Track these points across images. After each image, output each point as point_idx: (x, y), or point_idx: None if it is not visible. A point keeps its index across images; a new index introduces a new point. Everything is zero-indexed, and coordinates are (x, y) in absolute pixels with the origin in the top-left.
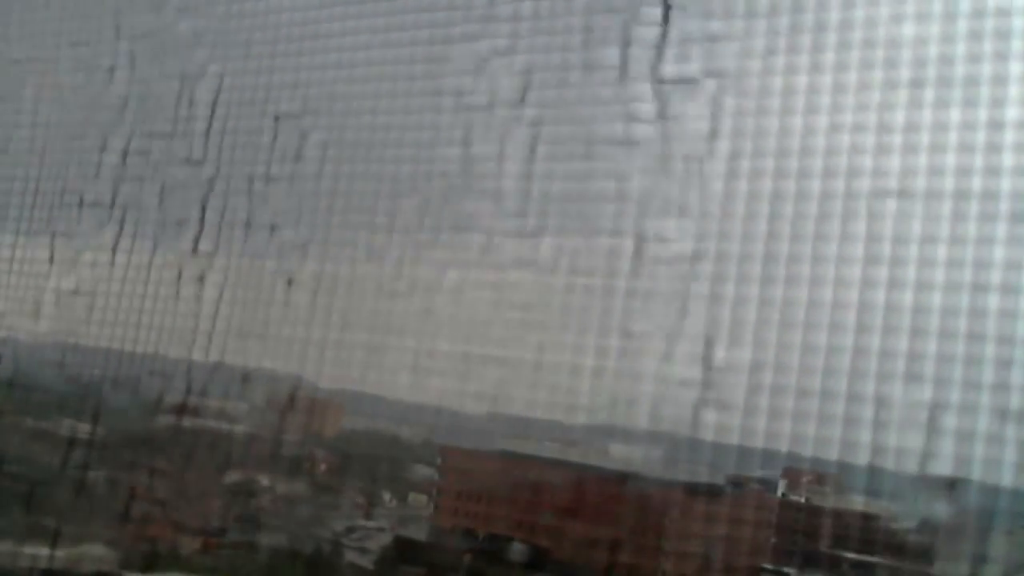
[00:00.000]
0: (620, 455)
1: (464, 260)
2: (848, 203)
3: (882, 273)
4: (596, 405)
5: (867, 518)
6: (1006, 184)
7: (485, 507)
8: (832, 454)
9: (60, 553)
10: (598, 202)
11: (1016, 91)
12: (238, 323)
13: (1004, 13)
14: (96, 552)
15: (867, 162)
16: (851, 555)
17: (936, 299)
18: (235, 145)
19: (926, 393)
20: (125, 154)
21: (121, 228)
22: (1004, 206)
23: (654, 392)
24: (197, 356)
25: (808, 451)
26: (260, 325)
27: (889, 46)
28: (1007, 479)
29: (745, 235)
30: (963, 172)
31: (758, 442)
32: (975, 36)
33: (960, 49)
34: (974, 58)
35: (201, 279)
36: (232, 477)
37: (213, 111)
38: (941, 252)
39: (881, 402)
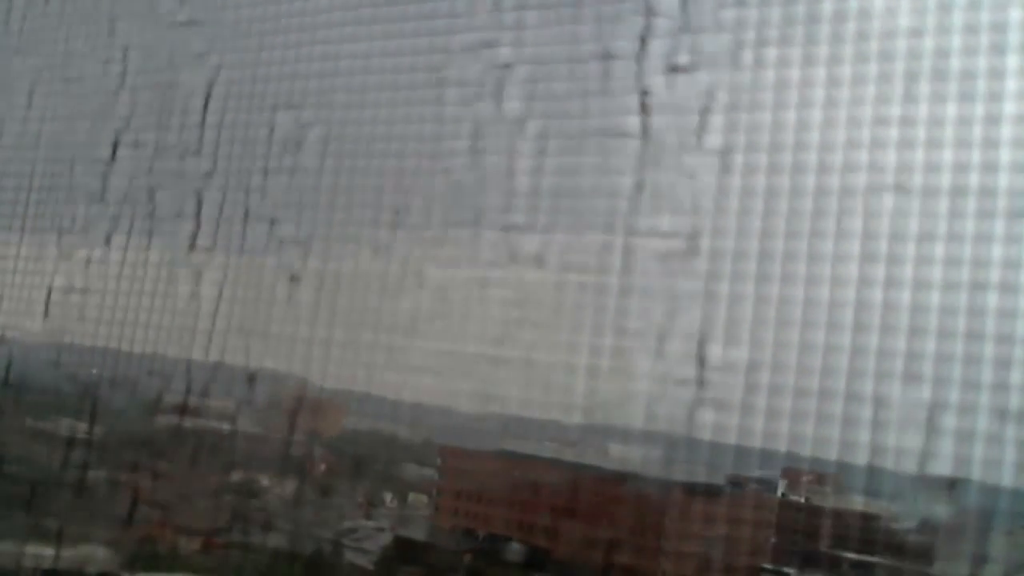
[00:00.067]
0: (619, 455)
1: (459, 258)
2: (844, 200)
3: (879, 271)
4: (592, 404)
5: (867, 518)
6: (1003, 180)
7: (485, 507)
8: (831, 454)
9: (59, 553)
10: (589, 197)
11: (1013, 85)
12: (238, 321)
13: (1000, 5)
14: (96, 552)
15: (862, 157)
16: (851, 555)
17: (934, 297)
18: (232, 139)
19: (925, 393)
20: (120, 148)
21: (117, 224)
22: (1002, 202)
23: (650, 391)
24: (196, 355)
25: (807, 451)
26: (260, 323)
27: (884, 38)
28: (1007, 479)
29: (739, 231)
30: (960, 168)
31: (756, 442)
32: (971, 29)
33: (956, 42)
34: (970, 51)
35: (200, 276)
36: (232, 477)
37: (210, 103)
38: (939, 250)
39: (880, 402)
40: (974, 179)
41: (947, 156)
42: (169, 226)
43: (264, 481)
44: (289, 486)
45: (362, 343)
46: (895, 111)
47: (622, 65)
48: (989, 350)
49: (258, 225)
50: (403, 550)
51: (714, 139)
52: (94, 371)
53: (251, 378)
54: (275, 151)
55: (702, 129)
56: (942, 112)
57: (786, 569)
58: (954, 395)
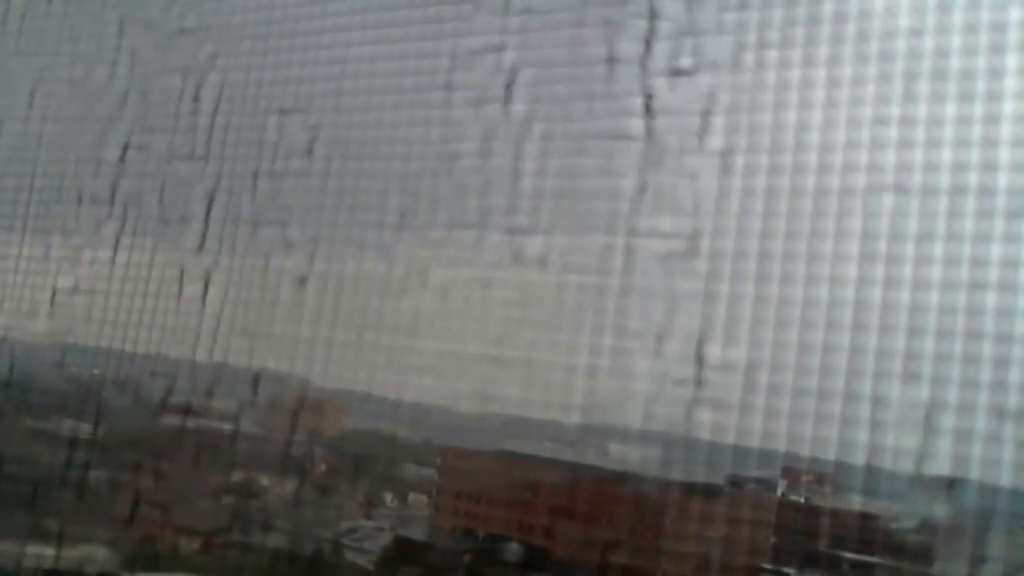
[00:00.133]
0: (618, 455)
1: (462, 259)
2: (843, 200)
3: (878, 271)
4: (591, 404)
5: (866, 518)
6: (1003, 180)
7: (485, 507)
8: (830, 454)
9: (60, 553)
10: (591, 199)
11: (1012, 84)
12: (241, 323)
13: (1000, 5)
14: (96, 552)
15: (862, 158)
16: (850, 555)
17: (933, 297)
18: (238, 142)
19: (924, 392)
20: (126, 150)
21: (122, 225)
22: (1001, 202)
23: (649, 391)
24: (200, 356)
25: (805, 451)
26: (264, 325)
27: (884, 39)
28: (1005, 478)
29: (739, 232)
30: (959, 168)
31: (755, 442)
32: (970, 28)
33: (955, 41)
34: (969, 51)
35: (204, 277)
36: (232, 477)
37: (216, 106)
38: (938, 249)
39: (878, 401)
40: (973, 178)
41: (946, 156)
42: (174, 228)
43: (264, 481)
44: (289, 486)
45: (364, 344)
46: (895, 111)
47: (626, 68)
48: (988, 349)
49: (264, 228)
50: (403, 550)
51: (715, 141)
52: (96, 372)
53: (254, 379)
54: (280, 154)
55: (704, 131)
56: (941, 112)
57: (785, 569)
58: (953, 395)
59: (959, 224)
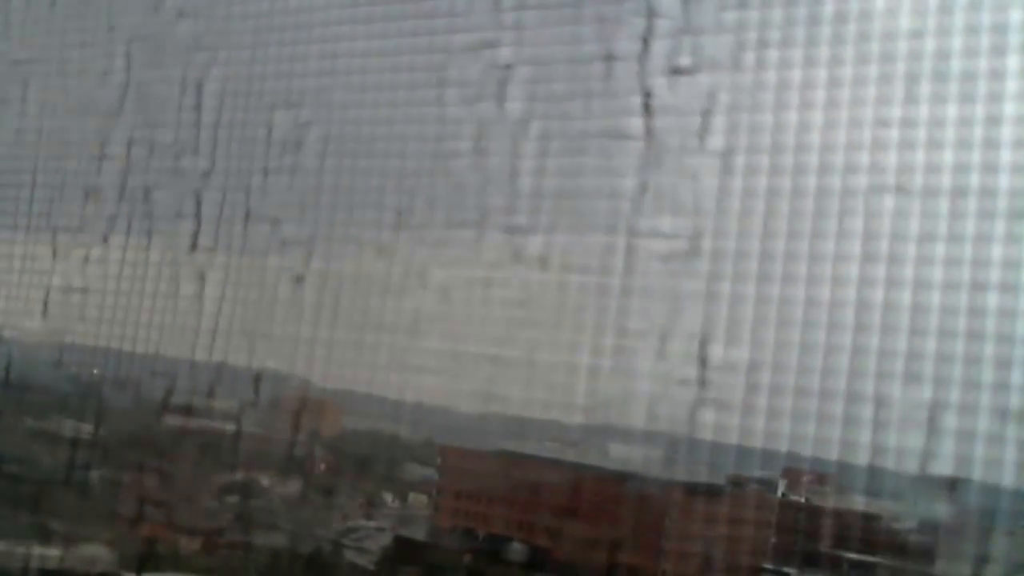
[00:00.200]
0: (619, 455)
1: (462, 258)
2: (845, 200)
3: (880, 271)
4: (593, 404)
5: (868, 518)
6: (1004, 181)
7: (485, 507)
8: (832, 454)
9: (60, 553)
10: (591, 198)
11: (1014, 86)
12: (240, 322)
13: (1001, 6)
14: (96, 552)
15: (863, 158)
16: (852, 555)
17: (935, 297)
18: (233, 139)
19: (926, 392)
20: (123, 148)
21: (117, 223)
22: (1002, 203)
23: (651, 391)
24: (199, 355)
25: (807, 451)
26: (263, 324)
27: (884, 39)
28: (1008, 479)
29: (741, 232)
30: (961, 169)
31: (757, 442)
32: (972, 30)
33: (957, 43)
34: (971, 52)
35: (201, 276)
36: (232, 477)
37: (212, 103)
38: (939, 250)
39: (880, 402)
40: (975, 180)
41: (948, 157)
42: (170, 225)
43: (265, 481)
44: (290, 486)
45: (364, 343)
46: (896, 112)
47: (624, 66)
48: (990, 350)
49: (260, 225)
50: (403, 550)
51: (716, 140)
52: (95, 371)
53: (254, 378)
54: (275, 151)
55: (704, 130)
56: (943, 113)
57: (786, 569)
58: (955, 395)
59: (960, 225)
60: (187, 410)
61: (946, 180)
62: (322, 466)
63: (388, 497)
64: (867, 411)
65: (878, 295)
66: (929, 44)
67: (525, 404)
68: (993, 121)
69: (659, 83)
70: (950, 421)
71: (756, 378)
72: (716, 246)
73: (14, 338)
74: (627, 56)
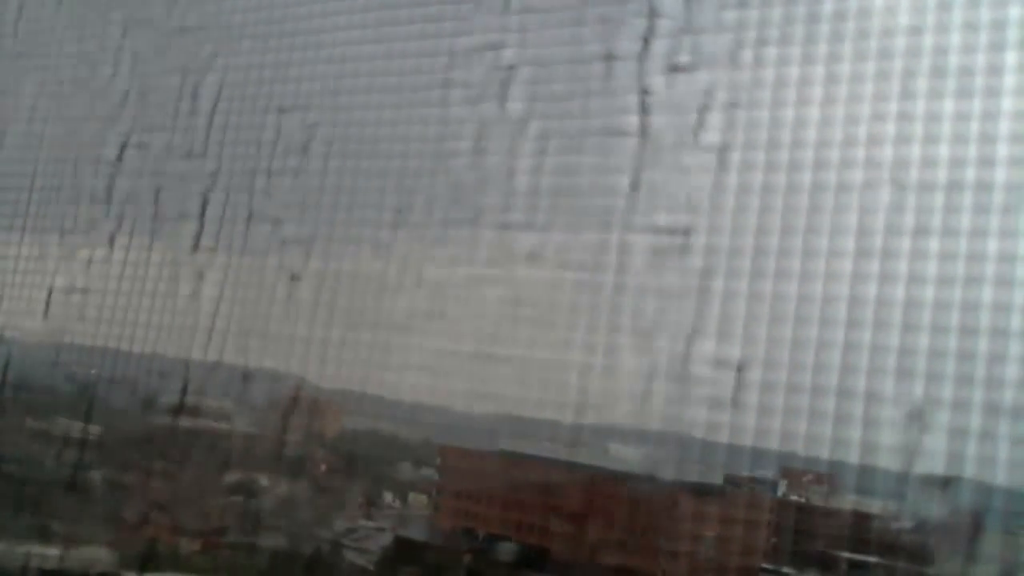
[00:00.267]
0: (616, 454)
1: (458, 256)
2: (839, 196)
3: (873, 267)
4: (587, 402)
5: (865, 517)
6: (1000, 175)
7: (485, 507)
8: (823, 451)
9: (59, 554)
10: (587, 196)
11: (1011, 81)
12: (238, 321)
13: (999, 3)
14: (96, 552)
15: (859, 154)
16: (850, 555)
17: (928, 293)
18: (236, 140)
19: (918, 389)
20: (124, 149)
21: (119, 224)
22: (998, 197)
23: (644, 388)
24: (197, 355)
25: (800, 448)
26: (261, 323)
27: (883, 36)
28: (1001, 477)
29: (734, 229)
30: (957, 163)
31: (748, 439)
32: (970, 26)
33: (955, 39)
34: (969, 48)
35: (201, 276)
36: (232, 477)
37: (215, 105)
38: (933, 245)
39: (873, 398)
40: (970, 174)
41: (943, 151)
42: (171, 226)
43: (264, 481)
44: (289, 486)
45: (361, 342)
46: (892, 107)
47: (623, 65)
48: (983, 346)
49: (261, 225)
50: (403, 550)
51: (712, 137)
52: (94, 371)
53: (252, 378)
54: (279, 152)
55: (700, 127)
56: (939, 108)
57: (785, 569)
58: (947, 391)
59: (955, 220)
60: (187, 410)
61: (942, 174)
62: (322, 466)
63: (388, 497)
64: (859, 408)
65: (871, 291)
66: (927, 40)
67: (518, 402)
68: (990, 116)
69: (657, 81)
70: (942, 418)
71: (748, 375)
72: (709, 242)
73: (14, 338)
74: (627, 55)
